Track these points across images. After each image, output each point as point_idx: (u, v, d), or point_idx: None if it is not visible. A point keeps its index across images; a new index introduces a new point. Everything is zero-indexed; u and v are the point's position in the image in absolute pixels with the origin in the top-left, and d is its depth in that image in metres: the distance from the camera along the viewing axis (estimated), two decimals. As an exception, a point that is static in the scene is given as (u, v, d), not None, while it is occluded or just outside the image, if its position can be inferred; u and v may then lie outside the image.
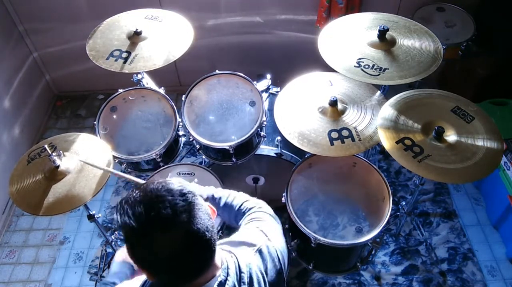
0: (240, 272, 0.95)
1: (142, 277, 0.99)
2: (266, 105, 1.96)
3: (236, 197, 1.24)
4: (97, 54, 1.82)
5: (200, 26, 2.58)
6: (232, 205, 1.22)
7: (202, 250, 0.86)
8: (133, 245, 0.84)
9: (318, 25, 2.60)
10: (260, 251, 1.02)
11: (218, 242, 1.03)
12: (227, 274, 0.93)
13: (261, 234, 1.06)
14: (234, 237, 1.09)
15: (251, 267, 0.97)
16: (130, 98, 1.97)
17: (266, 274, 1.00)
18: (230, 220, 1.23)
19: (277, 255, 1.04)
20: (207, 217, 0.87)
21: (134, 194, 0.84)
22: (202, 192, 1.26)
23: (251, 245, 1.04)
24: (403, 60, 1.70)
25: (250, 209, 1.18)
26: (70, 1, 2.66)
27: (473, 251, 2.27)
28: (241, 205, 1.20)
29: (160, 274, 0.87)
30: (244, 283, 0.94)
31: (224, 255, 0.97)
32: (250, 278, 0.96)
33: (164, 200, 0.82)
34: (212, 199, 1.25)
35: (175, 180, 0.89)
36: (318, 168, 1.84)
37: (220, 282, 0.91)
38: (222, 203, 1.24)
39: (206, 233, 0.85)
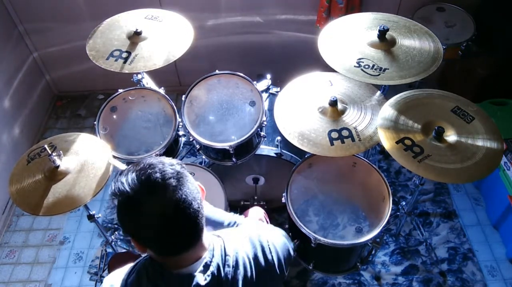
0: (226, 254, 0.97)
1: (131, 264, 1.01)
2: (266, 105, 1.96)
3: (256, 225, 1.29)
4: (97, 54, 1.82)
5: (200, 26, 2.58)
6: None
7: (189, 220, 0.88)
8: (124, 211, 0.87)
9: (318, 25, 2.60)
10: (250, 238, 1.04)
11: (212, 231, 1.06)
12: (212, 255, 0.95)
13: (256, 226, 1.08)
14: (230, 228, 1.13)
15: (238, 251, 0.99)
16: (130, 98, 1.97)
17: (255, 261, 1.01)
18: None
19: (268, 246, 1.05)
20: (195, 189, 0.91)
21: (130, 167, 0.89)
22: (224, 218, 1.30)
23: (242, 232, 1.07)
24: (403, 60, 1.70)
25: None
26: (70, 1, 2.66)
27: (473, 251, 2.27)
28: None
29: (148, 242, 0.90)
30: (228, 265, 0.96)
31: (212, 239, 0.99)
32: (236, 262, 0.98)
33: (155, 167, 0.87)
34: (233, 226, 1.29)
35: (168, 158, 0.94)
36: (318, 168, 1.84)
37: (206, 263, 0.94)
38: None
39: (193, 203, 0.88)
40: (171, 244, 0.89)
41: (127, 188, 0.84)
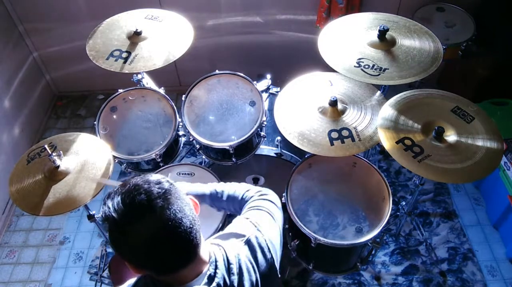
0: (229, 263, 0.96)
1: (132, 280, 0.99)
2: (266, 105, 1.96)
3: (238, 188, 1.25)
4: (97, 54, 1.82)
5: (200, 26, 2.58)
6: (235, 196, 1.23)
7: (181, 238, 0.85)
8: (115, 236, 0.85)
9: (318, 25, 2.60)
10: (248, 242, 1.02)
11: (210, 238, 1.05)
12: (216, 267, 0.94)
13: (251, 225, 1.07)
14: (225, 230, 1.10)
15: (240, 258, 0.98)
16: (130, 98, 1.97)
17: (256, 264, 1.00)
18: (236, 211, 1.24)
19: (267, 245, 1.04)
20: (186, 206, 0.88)
21: (116, 189, 0.87)
22: (204, 189, 1.27)
23: (240, 236, 1.04)
24: (403, 60, 1.70)
25: (251, 197, 1.19)
26: (70, 1, 2.66)
27: (473, 251, 2.27)
28: (243, 195, 1.21)
29: (143, 265, 0.88)
30: (233, 274, 0.95)
31: (213, 249, 0.97)
32: (240, 268, 0.96)
33: (140, 188, 0.84)
34: (216, 194, 1.25)
35: (156, 175, 0.91)
36: (318, 168, 1.84)
37: (210, 275, 0.92)
38: (225, 196, 1.24)
39: (184, 220, 0.85)
40: (166, 264, 0.87)
41: (113, 213, 0.82)
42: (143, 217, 0.82)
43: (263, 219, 1.10)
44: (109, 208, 0.83)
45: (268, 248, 1.04)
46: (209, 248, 0.97)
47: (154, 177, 0.89)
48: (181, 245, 0.86)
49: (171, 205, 0.84)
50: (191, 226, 0.87)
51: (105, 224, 0.85)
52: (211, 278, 0.92)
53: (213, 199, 1.26)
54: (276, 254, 1.06)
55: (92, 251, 2.37)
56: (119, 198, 0.83)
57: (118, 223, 0.82)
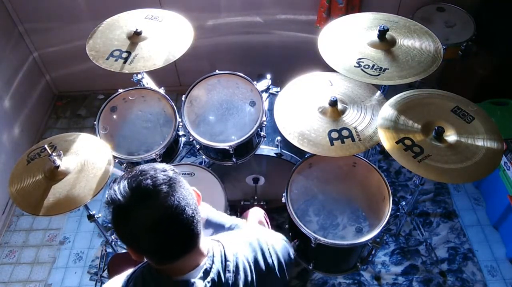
0: (226, 260, 0.97)
1: (130, 270, 1.01)
2: (266, 105, 1.96)
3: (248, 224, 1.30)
4: (97, 54, 1.82)
5: (200, 26, 2.58)
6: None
7: (182, 226, 0.87)
8: (117, 219, 0.86)
9: (318, 25, 2.60)
10: (250, 242, 1.03)
11: (212, 236, 1.05)
12: (212, 262, 0.95)
13: (256, 228, 1.08)
14: (229, 231, 1.12)
15: (238, 256, 0.99)
16: (130, 98, 1.97)
17: (255, 265, 1.01)
18: None
19: (269, 250, 1.04)
20: (189, 195, 0.89)
21: (123, 175, 0.89)
22: (225, 221, 1.30)
23: (242, 236, 1.06)
24: (403, 60, 1.70)
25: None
26: (70, 1, 2.66)
27: (473, 251, 2.27)
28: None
29: (143, 250, 0.89)
30: (229, 271, 0.96)
31: (212, 244, 0.98)
32: (236, 267, 0.97)
33: (146, 173, 0.86)
34: (233, 228, 1.28)
35: (162, 163, 0.93)
36: (318, 168, 1.84)
37: (206, 269, 0.93)
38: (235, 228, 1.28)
39: (187, 208, 0.86)
40: (166, 251, 0.88)
41: (119, 196, 0.84)
42: (147, 201, 0.84)
43: (269, 230, 1.12)
44: (114, 191, 0.85)
45: (270, 253, 1.04)
46: (208, 243, 0.98)
47: (160, 165, 0.91)
48: (182, 233, 0.88)
49: (175, 193, 0.86)
50: (193, 215, 0.88)
51: (108, 207, 0.87)
52: (206, 272, 0.93)
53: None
54: (280, 262, 1.06)
55: (92, 251, 2.37)
56: (125, 182, 0.85)
57: (122, 206, 0.84)
